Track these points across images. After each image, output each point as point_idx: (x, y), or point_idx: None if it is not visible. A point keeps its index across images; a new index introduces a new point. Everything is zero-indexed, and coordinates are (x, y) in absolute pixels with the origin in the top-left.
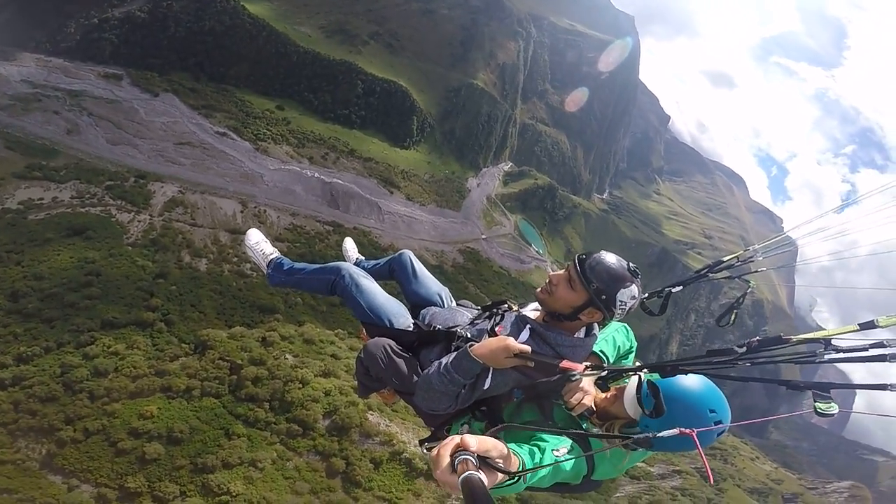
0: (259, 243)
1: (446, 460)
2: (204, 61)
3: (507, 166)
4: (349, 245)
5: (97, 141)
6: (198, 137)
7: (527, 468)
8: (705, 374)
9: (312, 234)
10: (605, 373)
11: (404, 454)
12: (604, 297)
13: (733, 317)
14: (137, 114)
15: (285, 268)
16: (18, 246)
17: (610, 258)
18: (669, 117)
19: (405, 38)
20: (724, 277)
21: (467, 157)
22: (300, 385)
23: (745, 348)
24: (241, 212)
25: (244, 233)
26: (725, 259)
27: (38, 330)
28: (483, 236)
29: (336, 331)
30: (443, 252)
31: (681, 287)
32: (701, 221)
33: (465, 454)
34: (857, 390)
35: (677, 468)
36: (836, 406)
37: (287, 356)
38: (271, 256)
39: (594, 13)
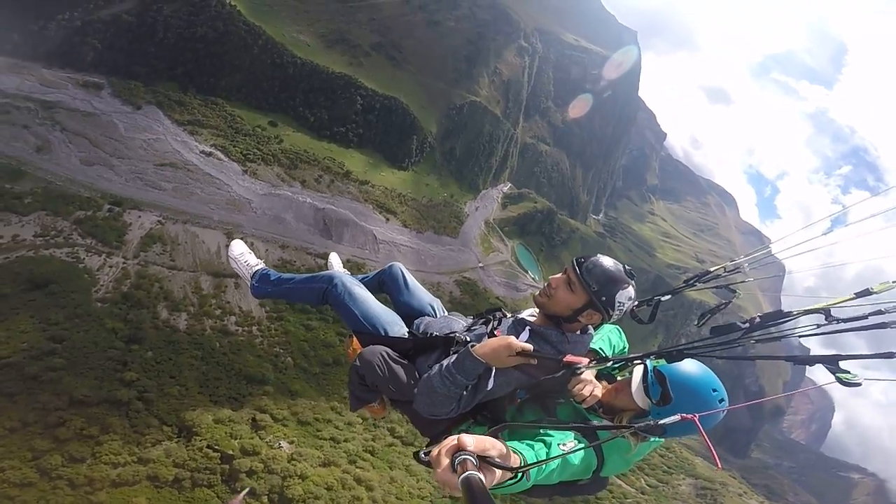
0: (243, 254)
1: (446, 461)
2: (193, 70)
3: (506, 188)
4: (335, 260)
5: (69, 160)
6: (182, 157)
7: (528, 464)
8: (712, 357)
9: (304, 271)
10: (610, 363)
11: None
12: (603, 298)
13: (708, 319)
14: (116, 129)
15: (272, 278)
16: None
17: (607, 261)
18: (666, 134)
19: (408, 50)
20: (711, 287)
21: (467, 179)
22: (300, 480)
23: (748, 325)
24: (226, 245)
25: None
26: (713, 269)
27: None
28: (480, 265)
29: (332, 403)
30: (439, 284)
31: (669, 296)
32: (693, 244)
33: (464, 454)
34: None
35: None
36: (858, 375)
37: (282, 443)
38: (256, 268)
39: (598, 27)
